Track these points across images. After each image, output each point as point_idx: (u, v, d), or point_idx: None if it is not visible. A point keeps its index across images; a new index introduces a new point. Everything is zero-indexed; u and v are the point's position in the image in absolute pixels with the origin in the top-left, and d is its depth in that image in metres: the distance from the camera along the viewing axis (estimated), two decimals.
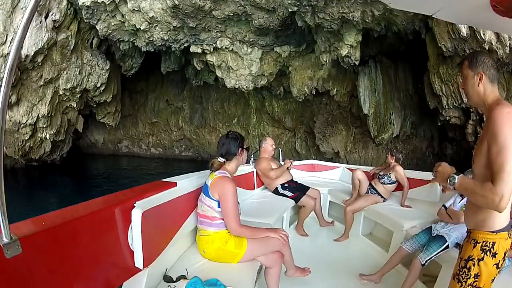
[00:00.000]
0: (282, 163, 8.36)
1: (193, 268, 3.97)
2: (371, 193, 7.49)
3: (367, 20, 13.10)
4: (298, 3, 12.73)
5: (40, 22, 15.65)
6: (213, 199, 4.07)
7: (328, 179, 10.47)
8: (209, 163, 4.45)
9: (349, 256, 6.52)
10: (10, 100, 17.01)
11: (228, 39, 16.43)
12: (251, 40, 16.11)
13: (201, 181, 4.71)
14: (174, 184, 4.34)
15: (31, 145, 20.42)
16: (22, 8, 15.34)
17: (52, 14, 16.04)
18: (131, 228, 3.22)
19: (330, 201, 8.87)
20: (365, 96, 18.01)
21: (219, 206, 4.06)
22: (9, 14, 15.14)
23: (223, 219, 4.11)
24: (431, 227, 5.18)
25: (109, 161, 28.18)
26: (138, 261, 3.25)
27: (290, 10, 13.35)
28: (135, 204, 3.30)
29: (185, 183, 4.53)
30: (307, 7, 12.92)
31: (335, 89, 19.58)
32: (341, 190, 8.75)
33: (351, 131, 21.08)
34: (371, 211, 7.22)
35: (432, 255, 4.61)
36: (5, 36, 15.21)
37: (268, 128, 24.75)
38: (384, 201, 7.36)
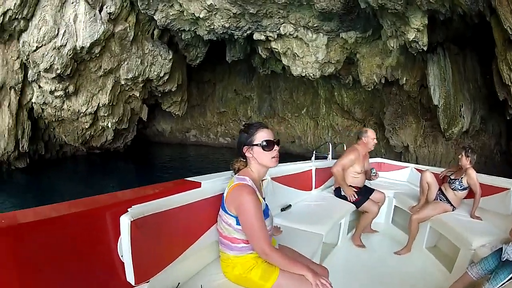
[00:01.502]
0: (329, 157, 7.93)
1: (210, 286, 3.45)
2: (440, 199, 6.89)
3: (431, 1, 12.45)
4: None
5: (94, 15, 16.16)
6: (230, 214, 3.41)
7: (394, 180, 9.94)
8: (231, 163, 3.79)
9: (408, 272, 5.95)
10: (67, 90, 17.75)
11: (292, 25, 16.17)
12: (315, 25, 15.76)
13: None
14: (197, 185, 3.86)
15: (92, 133, 21.16)
16: (72, 3, 15.85)
17: (106, 7, 16.54)
18: (120, 239, 2.82)
19: (395, 205, 8.29)
20: (435, 86, 17.27)
21: (238, 224, 3.40)
22: (59, 8, 15.70)
23: (246, 242, 3.44)
24: (502, 248, 4.47)
25: (176, 150, 28.76)
26: (129, 276, 2.82)
27: None
28: (128, 209, 2.88)
29: (212, 184, 3.96)
30: None
31: (405, 78, 18.97)
32: (408, 194, 8.11)
33: (421, 124, 20.36)
34: (438, 221, 6.53)
35: (499, 285, 4.07)
36: (56, 30, 15.78)
37: (338, 119, 24.38)
38: (453, 210, 6.74)
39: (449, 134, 17.70)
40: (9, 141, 18.21)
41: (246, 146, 3.56)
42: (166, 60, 20.04)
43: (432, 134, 19.95)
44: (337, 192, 7.29)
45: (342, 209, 6.63)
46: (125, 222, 2.74)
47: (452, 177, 6.83)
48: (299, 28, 16.26)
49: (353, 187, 7.10)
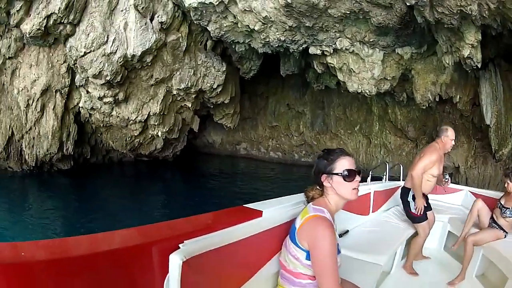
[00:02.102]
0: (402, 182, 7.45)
1: None
2: (492, 226, 6.51)
3: (484, 15, 11.94)
4: None
5: (145, 23, 16.25)
6: (300, 248, 3.07)
7: (448, 203, 9.52)
8: (305, 191, 3.48)
9: None
10: (117, 97, 17.91)
11: (348, 40, 15.80)
12: (371, 40, 15.42)
13: (298, 210, 3.63)
14: (258, 214, 3.51)
15: (141, 141, 21.30)
16: (121, 10, 16.04)
17: (158, 16, 16.61)
18: (168, 278, 2.44)
19: (449, 231, 7.92)
20: (487, 104, 16.82)
21: (308, 258, 3.05)
22: (108, 15, 15.91)
23: (312, 278, 3.08)
24: None
25: (226, 162, 28.78)
26: None
27: (408, 4, 12.55)
28: (180, 245, 2.54)
29: (274, 213, 3.63)
30: (424, 0, 12.00)
31: (458, 96, 18.46)
32: (463, 219, 7.52)
33: (472, 144, 19.97)
34: (489, 248, 6.24)
35: None
36: (106, 36, 15.93)
37: (390, 137, 23.95)
38: (505, 236, 6.34)
39: (499, 155, 17.22)
40: (52, 143, 18.66)
41: (324, 175, 3.29)
42: (220, 72, 19.96)
43: (483, 154, 19.49)
44: (404, 193, 6.84)
45: (400, 236, 6.53)
46: (175, 262, 2.41)
47: (503, 204, 6.49)
48: (355, 43, 15.90)
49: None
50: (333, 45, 16.24)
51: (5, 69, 18.24)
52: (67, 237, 2.30)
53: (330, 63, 17.31)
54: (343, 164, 3.25)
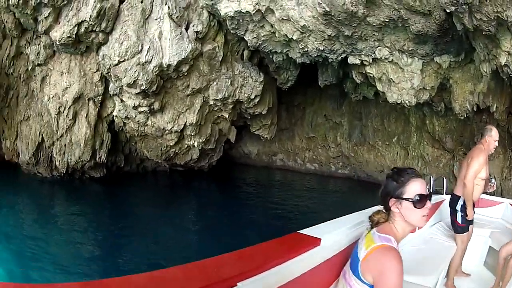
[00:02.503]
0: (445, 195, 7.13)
1: None
2: None
3: None
4: (455, 1, 11.46)
5: (181, 33, 16.21)
6: (363, 282, 2.73)
7: (488, 216, 8.96)
8: (370, 215, 3.15)
9: None
10: (152, 107, 17.88)
11: (387, 49, 15.44)
12: (410, 49, 15.00)
13: (357, 233, 3.45)
14: (316, 242, 3.17)
15: (176, 151, 21.14)
16: (156, 19, 16.09)
17: (193, 26, 16.58)
18: None
19: (490, 246, 7.54)
20: None
21: None
22: (141, 24, 16.00)
23: None
24: None
25: (262, 173, 28.51)
26: None
27: (447, 11, 12.24)
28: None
29: (334, 239, 3.37)
30: (464, 6, 11.60)
31: (495, 105, 17.84)
32: (505, 233, 7.36)
33: (508, 154, 19.69)
34: None
35: None
36: (140, 45, 15.98)
37: (428, 149, 23.52)
38: None
39: None
40: (85, 151, 18.72)
41: (393, 199, 2.94)
42: (257, 82, 19.77)
43: None
44: (454, 201, 6.58)
45: (447, 253, 6.31)
46: None
47: None
48: (394, 52, 15.51)
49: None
50: (372, 55, 15.93)
51: (34, 75, 18.58)
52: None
53: (369, 73, 16.99)
54: (414, 187, 2.88)
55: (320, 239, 3.20)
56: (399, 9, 12.92)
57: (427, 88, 16.85)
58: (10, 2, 15.81)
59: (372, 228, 3.03)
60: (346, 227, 3.63)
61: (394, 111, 24.02)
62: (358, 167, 26.89)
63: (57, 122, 18.41)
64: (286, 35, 15.38)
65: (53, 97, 18.04)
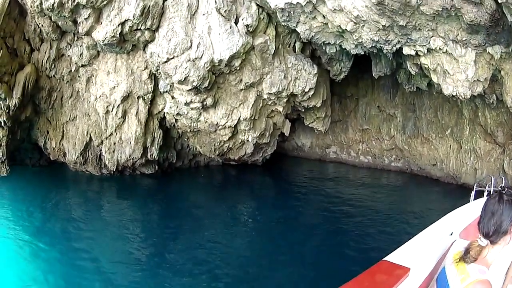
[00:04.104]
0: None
1: None
2: None
3: None
4: None
5: (230, 27, 16.16)
6: None
7: None
8: (468, 248, 2.81)
9: None
10: (205, 103, 17.90)
11: (441, 39, 15.03)
12: (463, 39, 14.55)
13: (442, 255, 3.33)
14: (405, 271, 3.05)
15: (230, 146, 21.07)
16: (203, 14, 16.08)
17: (242, 19, 16.50)
18: None
19: None
20: None
21: None
22: (189, 20, 16.02)
23: None
24: None
25: (315, 166, 28.47)
26: None
27: (498, 1, 11.99)
28: None
29: (423, 268, 3.25)
30: None
31: None
32: None
33: None
34: None
35: None
36: (189, 41, 16.01)
37: (480, 142, 23.07)
38: None
39: None
40: (135, 148, 18.96)
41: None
42: (311, 75, 19.59)
43: None
44: None
45: None
46: None
47: None
48: (448, 42, 15.09)
49: None
50: (426, 45, 15.59)
51: (78, 76, 18.78)
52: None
53: (424, 64, 16.66)
54: None
55: (409, 268, 3.11)
56: None
57: (481, 80, 16.33)
58: (43, 6, 15.93)
59: (464, 258, 2.82)
60: (434, 253, 3.49)
61: (448, 102, 23.74)
62: (411, 160, 26.63)
63: (106, 121, 18.76)
64: (339, 26, 15.18)
65: (100, 96, 18.39)
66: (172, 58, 16.33)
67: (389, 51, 16.50)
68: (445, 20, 14.22)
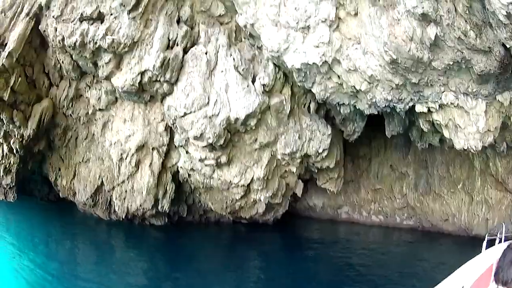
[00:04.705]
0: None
1: None
2: None
3: None
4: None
5: (247, 85, 16.45)
6: None
7: None
8: None
9: None
10: (219, 160, 17.89)
11: (452, 93, 15.26)
12: (474, 90, 14.77)
13: None
14: None
15: (242, 205, 20.77)
16: (222, 71, 16.35)
17: (259, 78, 16.74)
18: None
19: None
20: None
21: None
22: (207, 75, 16.28)
23: None
24: None
25: (326, 226, 28.02)
26: None
27: (506, 47, 12.31)
28: None
29: None
30: None
31: None
32: None
33: None
34: None
35: None
36: (207, 98, 16.30)
37: (491, 192, 23.13)
38: None
39: None
40: (147, 199, 18.82)
41: None
42: (325, 136, 19.66)
43: None
44: None
45: None
46: None
47: None
48: (459, 96, 15.31)
49: None
50: (438, 101, 15.81)
51: (95, 119, 18.99)
52: None
53: (436, 120, 16.77)
54: None
55: None
56: (462, 50, 13.05)
57: (491, 130, 16.46)
58: (65, 42, 16.37)
59: None
60: None
61: (459, 156, 23.81)
62: (423, 217, 26.45)
63: (119, 168, 18.82)
64: (353, 86, 15.43)
65: (115, 143, 18.53)
66: (190, 113, 16.61)
67: (402, 109, 16.69)
68: (456, 74, 14.48)
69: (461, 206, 24.58)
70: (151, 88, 17.14)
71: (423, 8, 12.36)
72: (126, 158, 18.60)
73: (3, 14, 17.14)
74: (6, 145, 19.37)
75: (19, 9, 17.22)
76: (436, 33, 12.88)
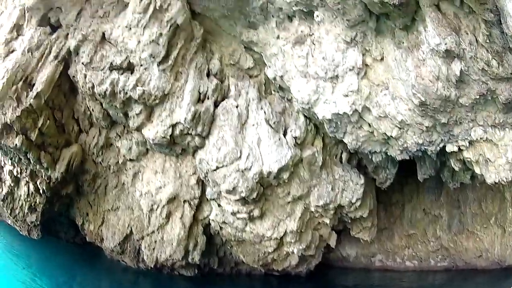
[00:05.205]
0: None
1: None
2: None
3: None
4: None
5: (279, 139, 16.55)
6: None
7: None
8: None
9: None
10: (252, 214, 17.78)
11: (481, 127, 15.18)
12: (501, 121, 14.69)
13: None
14: None
15: (275, 258, 20.49)
16: (253, 125, 16.54)
17: (291, 131, 16.84)
18: None
19: None
20: None
21: None
22: (239, 129, 16.45)
23: None
24: None
25: (360, 275, 27.74)
26: None
27: None
28: None
29: None
30: None
31: None
32: None
33: None
34: None
35: None
36: (239, 152, 16.44)
37: None
38: None
39: None
40: (177, 250, 18.79)
41: None
42: (358, 185, 19.52)
43: None
44: None
45: None
46: None
47: None
48: (487, 129, 15.20)
49: None
50: (468, 138, 15.73)
51: (125, 169, 19.08)
52: None
53: (467, 158, 16.55)
54: None
55: None
56: (486, 81, 13.17)
57: None
58: (95, 90, 16.57)
59: None
60: None
61: (490, 190, 23.73)
62: (457, 257, 26.19)
63: (149, 218, 18.83)
64: (384, 133, 15.48)
65: (145, 193, 18.56)
66: (222, 167, 16.71)
67: (433, 151, 16.55)
68: (482, 107, 14.53)
69: (494, 240, 24.45)
70: (183, 141, 17.31)
71: (446, 44, 12.60)
72: (156, 209, 18.65)
73: (30, 53, 17.32)
74: (33, 184, 19.41)
75: (47, 51, 17.45)
76: (461, 68, 13.06)
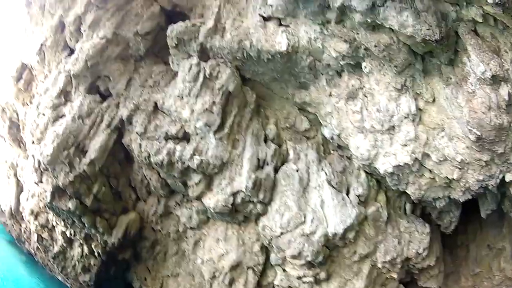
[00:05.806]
0: None
1: None
2: None
3: None
4: None
5: (343, 199, 16.30)
6: None
7: None
8: None
9: None
10: (318, 276, 17.34)
11: None
12: None
13: None
14: None
15: None
16: (315, 188, 16.41)
17: (353, 189, 16.61)
18: None
19: None
20: None
21: None
22: (301, 193, 16.35)
23: None
24: None
25: None
26: None
27: None
28: None
29: None
30: None
31: None
32: None
33: None
34: None
35: None
36: (303, 216, 16.28)
37: None
38: None
39: None
40: None
41: None
42: (424, 235, 19.14)
43: None
44: None
45: None
46: None
47: None
48: None
49: None
50: None
51: (186, 237, 18.93)
52: None
53: None
54: None
55: None
56: None
57: None
58: (151, 159, 16.74)
59: None
60: None
61: None
62: None
63: (211, 285, 18.56)
64: (446, 176, 15.17)
65: (207, 261, 18.35)
66: (286, 232, 16.59)
67: (494, 185, 15.94)
68: None
69: None
70: (245, 209, 17.23)
71: (491, 70, 12.50)
72: (219, 277, 18.35)
73: (80, 120, 17.60)
74: (87, 247, 19.51)
75: (98, 118, 17.73)
76: (508, 91, 12.94)
